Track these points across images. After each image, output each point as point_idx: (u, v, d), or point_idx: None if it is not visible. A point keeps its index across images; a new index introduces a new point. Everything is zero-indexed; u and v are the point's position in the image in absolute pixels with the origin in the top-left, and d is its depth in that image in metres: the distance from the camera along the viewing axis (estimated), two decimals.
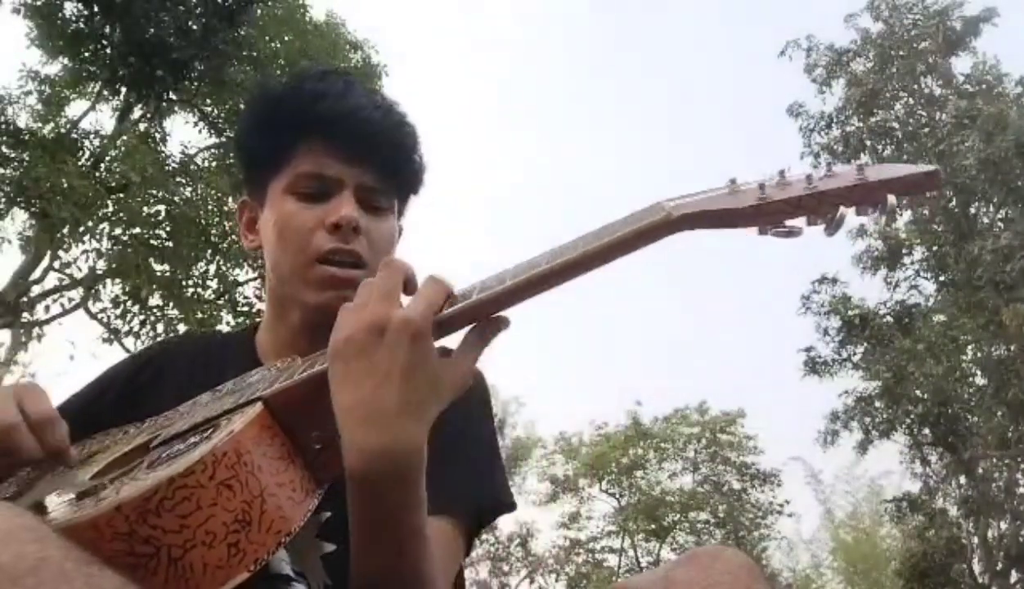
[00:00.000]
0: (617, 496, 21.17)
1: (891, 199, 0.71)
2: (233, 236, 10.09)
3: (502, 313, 0.80)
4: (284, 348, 1.13)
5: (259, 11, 10.77)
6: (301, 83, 1.14)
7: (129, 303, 10.21)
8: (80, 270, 10.30)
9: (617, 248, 0.75)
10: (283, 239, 1.08)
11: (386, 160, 1.10)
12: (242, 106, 10.67)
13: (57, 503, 0.80)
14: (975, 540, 13.91)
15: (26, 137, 9.50)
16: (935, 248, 14.44)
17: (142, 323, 10.23)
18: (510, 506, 1.10)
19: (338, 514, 0.97)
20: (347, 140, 1.07)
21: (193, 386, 1.07)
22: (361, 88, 1.15)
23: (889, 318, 14.34)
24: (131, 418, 1.08)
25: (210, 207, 10.39)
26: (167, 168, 10.62)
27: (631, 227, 0.75)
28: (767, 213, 0.73)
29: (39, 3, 10.19)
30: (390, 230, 1.13)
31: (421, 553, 0.82)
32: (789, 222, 0.74)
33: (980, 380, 14.15)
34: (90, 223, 9.74)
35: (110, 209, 10.06)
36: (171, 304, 10.32)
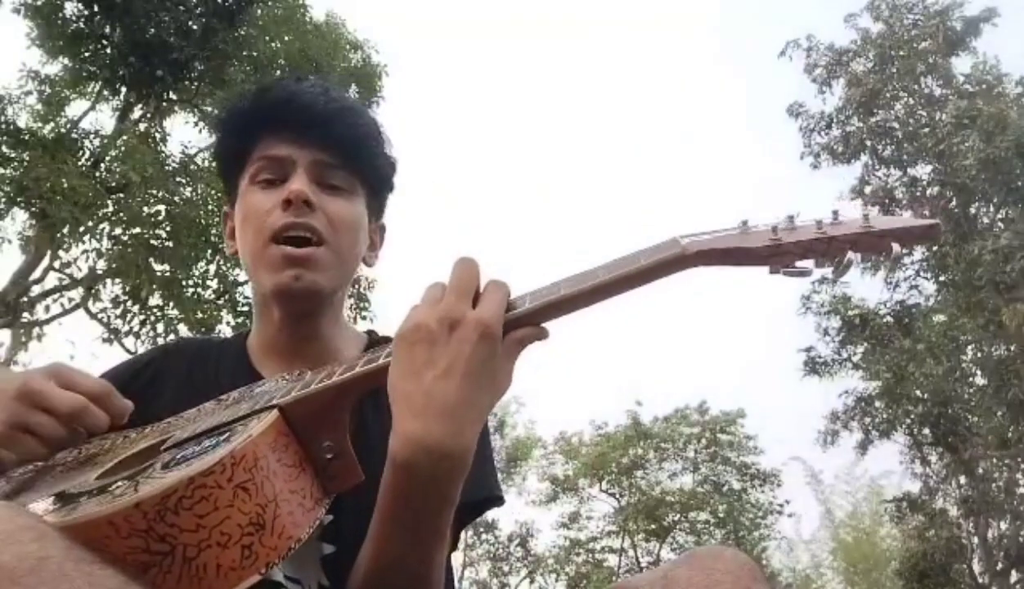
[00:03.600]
0: (617, 496, 21.16)
1: (895, 247, 0.75)
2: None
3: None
4: (269, 348, 1.15)
5: (259, 11, 10.77)
6: (261, 86, 1.19)
7: (129, 303, 10.20)
8: (80, 270, 10.31)
9: (632, 280, 0.78)
10: (245, 224, 1.10)
11: (337, 138, 1.11)
12: None
13: (66, 498, 0.80)
14: (975, 540, 13.91)
15: (26, 137, 9.50)
16: (935, 248, 14.43)
17: (142, 323, 10.23)
18: (499, 499, 1.10)
19: (340, 518, 0.97)
20: (293, 120, 1.09)
21: (191, 390, 1.08)
22: (316, 83, 1.16)
23: (889, 318, 14.34)
24: (128, 421, 1.08)
25: (210, 207, 10.37)
26: (167, 168, 10.61)
27: (647, 261, 0.78)
28: (778, 254, 0.77)
29: (39, 3, 10.18)
30: (351, 211, 1.12)
31: (436, 553, 0.83)
32: (799, 263, 0.77)
33: (980, 380, 14.14)
34: (90, 223, 9.74)
35: (110, 209, 10.05)
36: (171, 304, 10.31)
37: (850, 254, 0.75)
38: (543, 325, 0.80)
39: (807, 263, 0.77)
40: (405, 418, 0.75)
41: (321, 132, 1.09)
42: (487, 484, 1.09)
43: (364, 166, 1.14)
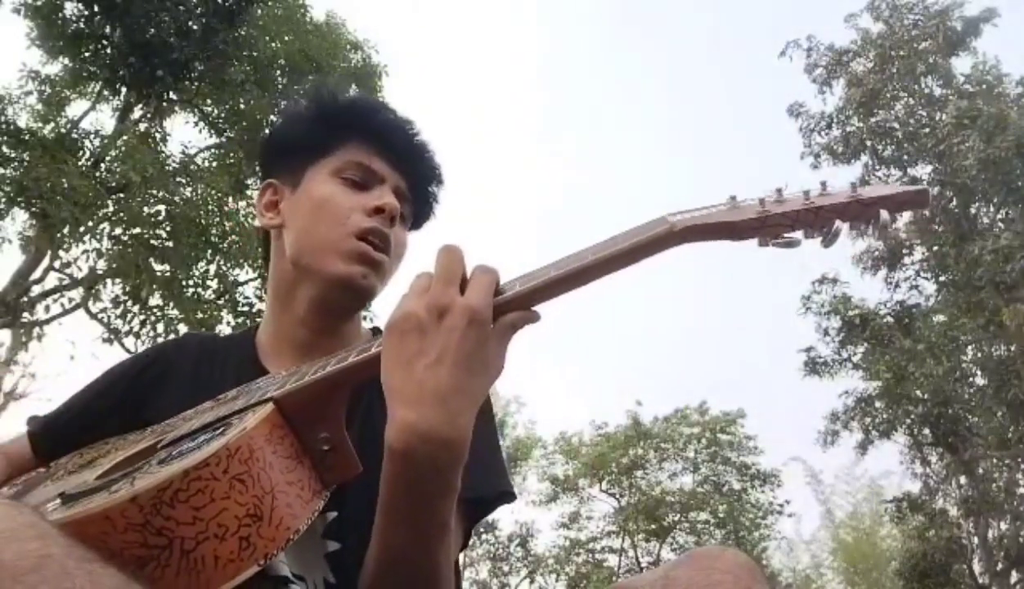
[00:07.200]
0: (617, 496, 21.16)
1: (884, 215, 0.75)
2: (233, 236, 10.08)
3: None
4: (284, 342, 1.15)
5: (259, 11, 10.76)
6: (362, 96, 1.26)
7: (129, 303, 10.19)
8: (80, 270, 10.30)
9: (622, 259, 0.78)
10: (321, 212, 1.11)
11: (420, 176, 1.19)
12: (242, 106, 10.71)
13: (65, 498, 0.80)
14: (975, 540, 13.90)
15: (26, 137, 9.49)
16: (935, 248, 14.43)
17: (142, 323, 10.22)
18: (510, 495, 1.10)
19: (344, 514, 0.98)
20: (396, 146, 1.16)
21: (196, 386, 1.09)
22: (405, 115, 1.24)
23: (889, 318, 14.33)
24: (134, 417, 1.09)
25: (210, 207, 10.37)
26: (167, 168, 10.61)
27: (636, 239, 0.78)
28: (767, 226, 0.77)
29: (39, 3, 10.18)
30: (407, 240, 1.19)
31: (441, 544, 0.83)
32: (788, 234, 0.77)
33: (980, 380, 14.14)
34: (90, 223, 9.73)
35: (110, 209, 10.05)
36: (171, 304, 10.31)
37: (838, 223, 0.75)
38: (534, 308, 0.80)
39: (796, 234, 0.77)
40: (399, 408, 0.75)
41: (412, 168, 1.17)
42: (498, 481, 1.09)
43: (425, 208, 1.22)
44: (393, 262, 1.14)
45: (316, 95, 1.25)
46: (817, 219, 0.76)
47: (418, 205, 1.20)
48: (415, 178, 1.18)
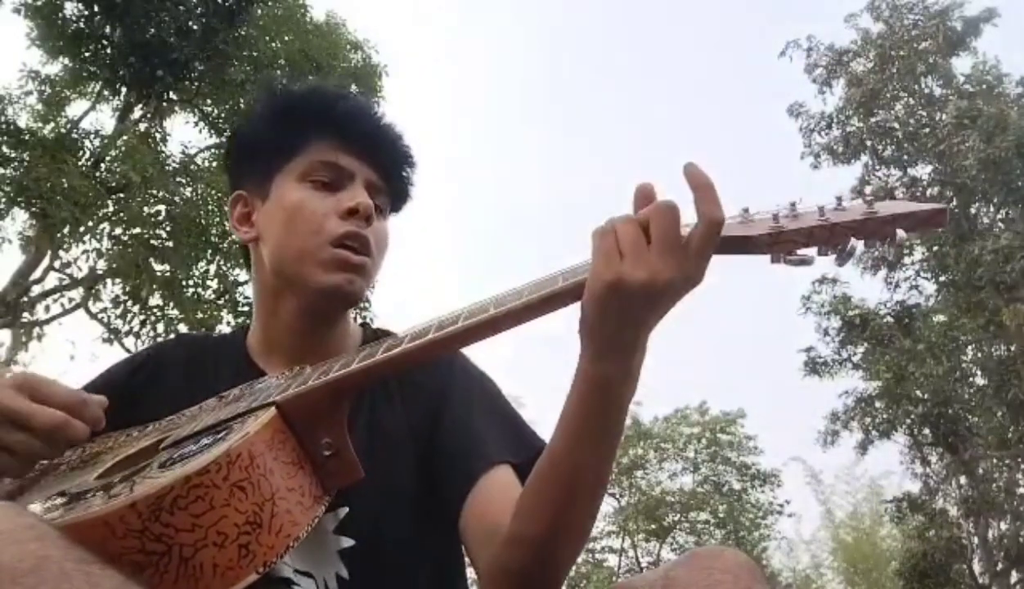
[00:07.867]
0: (617, 496, 21.15)
1: (900, 233, 0.73)
2: (234, 236, 10.08)
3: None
4: (273, 347, 1.14)
5: (259, 11, 10.76)
6: (318, 87, 1.22)
7: (129, 303, 10.19)
8: (80, 270, 10.30)
9: None
10: (295, 222, 1.09)
11: (391, 163, 1.15)
12: (242, 106, 10.71)
13: (64, 500, 0.80)
14: (975, 540, 13.90)
15: (26, 137, 9.49)
16: (935, 248, 14.42)
17: (142, 323, 10.22)
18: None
19: (355, 510, 0.98)
20: (361, 137, 1.12)
21: (190, 387, 1.09)
22: (369, 100, 1.22)
23: (889, 318, 14.32)
24: (128, 420, 1.08)
25: (210, 207, 10.37)
26: (167, 168, 10.60)
27: None
28: (780, 242, 0.76)
29: (39, 3, 10.18)
30: (387, 233, 1.16)
31: (616, 448, 0.89)
32: (801, 251, 0.76)
33: (980, 380, 14.13)
34: (90, 223, 9.73)
35: (110, 209, 10.05)
36: (171, 304, 10.30)
37: (853, 241, 0.74)
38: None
39: (809, 251, 0.76)
40: (631, 355, 0.81)
41: (381, 156, 1.14)
42: (537, 439, 1.10)
43: (402, 195, 1.19)
44: (377, 259, 1.12)
45: (271, 97, 1.22)
46: (832, 236, 0.75)
47: (394, 192, 1.17)
48: (386, 166, 1.14)
